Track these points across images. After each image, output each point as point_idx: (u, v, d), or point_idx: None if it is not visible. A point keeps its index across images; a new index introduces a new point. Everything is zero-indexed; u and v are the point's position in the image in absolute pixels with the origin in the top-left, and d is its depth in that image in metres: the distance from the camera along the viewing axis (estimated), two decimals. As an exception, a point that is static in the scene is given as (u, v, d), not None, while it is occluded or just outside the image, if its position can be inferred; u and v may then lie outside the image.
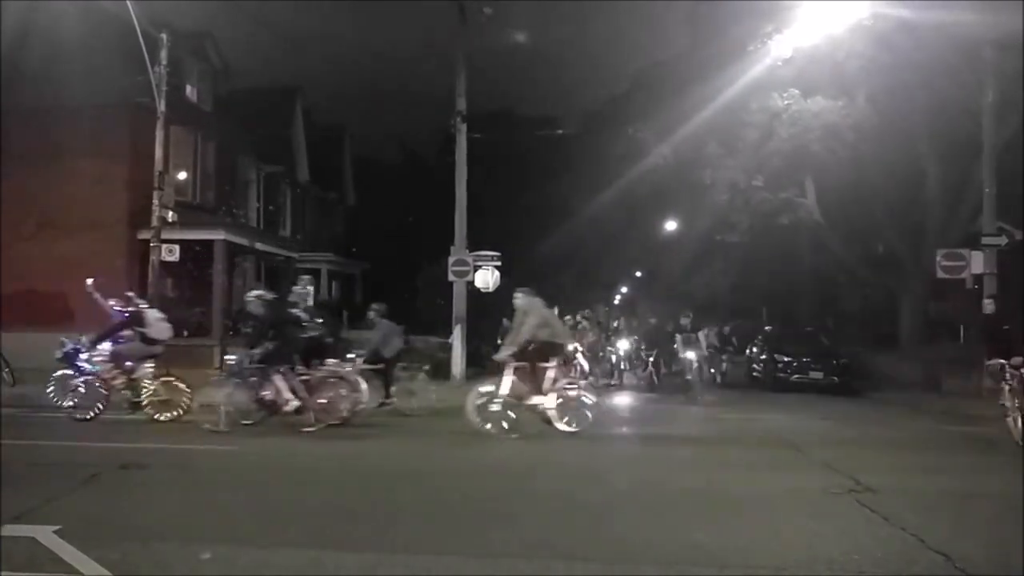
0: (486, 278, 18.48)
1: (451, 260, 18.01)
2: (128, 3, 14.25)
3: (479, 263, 18.34)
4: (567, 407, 9.95)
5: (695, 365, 16.53)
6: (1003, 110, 16.27)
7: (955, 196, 19.19)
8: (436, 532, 5.48)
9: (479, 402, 9.93)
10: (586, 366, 15.68)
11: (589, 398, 10.16)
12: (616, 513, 6.14)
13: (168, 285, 18.99)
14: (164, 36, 15.59)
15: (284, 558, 4.78)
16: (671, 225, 30.34)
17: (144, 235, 16.91)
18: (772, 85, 18.69)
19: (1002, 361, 10.18)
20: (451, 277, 18.03)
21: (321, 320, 11.25)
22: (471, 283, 18.21)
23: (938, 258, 16.78)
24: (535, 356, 9.97)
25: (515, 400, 9.90)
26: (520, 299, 10.39)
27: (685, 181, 22.01)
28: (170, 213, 16.11)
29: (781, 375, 18.87)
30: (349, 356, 11.52)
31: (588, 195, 28.21)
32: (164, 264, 16.19)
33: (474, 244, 18.61)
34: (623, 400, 15.89)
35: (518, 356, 10.00)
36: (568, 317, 18.02)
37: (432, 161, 35.74)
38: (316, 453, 8.95)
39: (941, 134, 18.42)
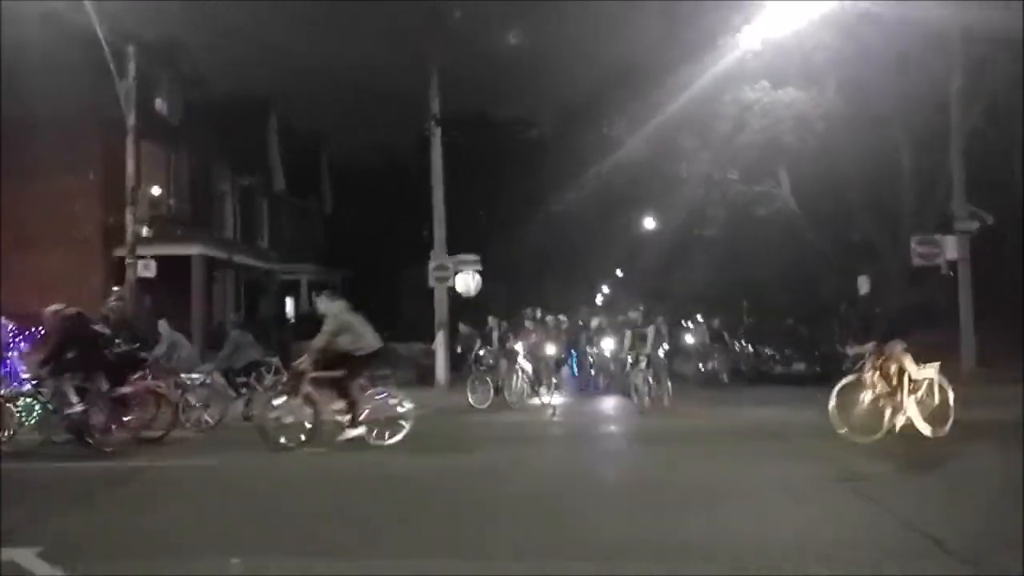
0: (467, 282, 18.46)
1: (431, 265, 17.97)
2: (92, 15, 14.04)
3: (459, 267, 18.31)
4: (375, 419, 9.19)
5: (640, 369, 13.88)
6: (970, 96, 16.49)
7: (928, 182, 19.42)
8: (424, 536, 5.43)
9: (272, 415, 9.30)
10: (528, 368, 14.28)
11: (403, 407, 9.35)
12: (606, 512, 6.13)
13: (146, 301, 18.73)
14: (131, 48, 15.42)
15: (275, 567, 4.72)
16: (650, 222, 30.45)
17: (120, 252, 16.70)
18: (743, 78, 18.81)
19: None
20: (432, 283, 17.99)
21: (131, 335, 10.75)
22: (452, 288, 18.16)
23: (913, 245, 16.97)
24: (336, 365, 9.18)
25: (312, 411, 9.17)
26: (321, 304, 9.75)
27: (661, 177, 22.10)
28: (145, 228, 15.96)
29: (764, 368, 18.99)
30: (196, 371, 11.37)
31: (566, 195, 28.25)
32: (141, 280, 15.99)
33: (454, 248, 18.57)
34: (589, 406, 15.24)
35: (318, 365, 9.21)
36: (551, 318, 17.83)
37: (410, 165, 35.61)
38: (298, 464, 8.84)
39: (911, 121, 18.64)
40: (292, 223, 31.54)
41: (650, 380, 13.11)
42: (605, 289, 48.95)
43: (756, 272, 28.26)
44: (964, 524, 5.31)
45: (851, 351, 10.09)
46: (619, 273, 44.64)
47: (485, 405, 13.67)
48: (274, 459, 9.01)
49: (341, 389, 9.10)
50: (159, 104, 21.60)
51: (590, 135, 23.77)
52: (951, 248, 16.56)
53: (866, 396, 8.86)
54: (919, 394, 8.79)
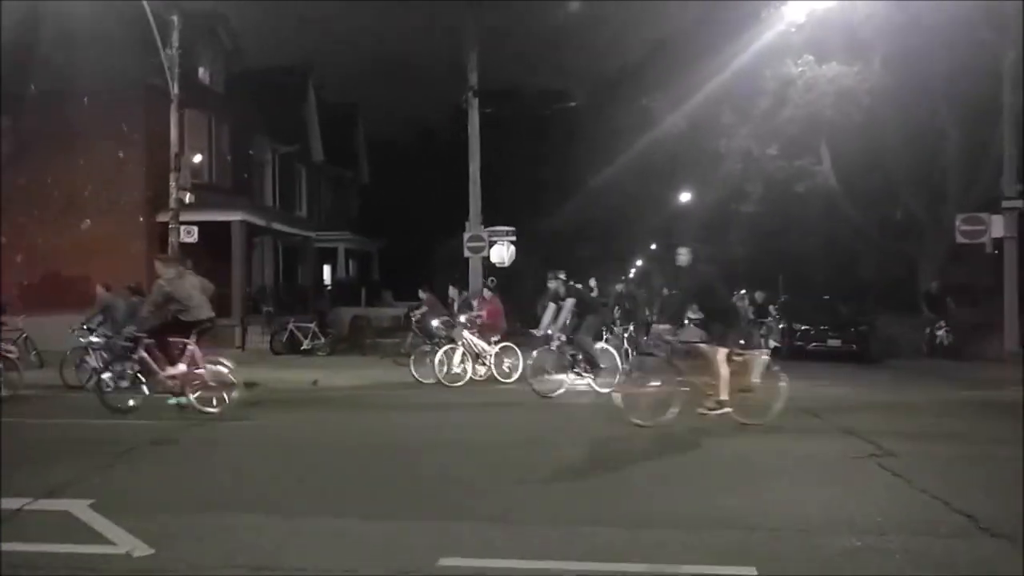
0: (501, 253, 18.53)
1: (466, 236, 18.06)
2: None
3: (494, 238, 18.38)
4: (202, 387, 9.25)
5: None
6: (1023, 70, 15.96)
7: (975, 159, 18.94)
8: (459, 500, 5.57)
9: (106, 376, 9.48)
10: (477, 344, 12.85)
11: (229, 379, 9.36)
12: (641, 480, 6.21)
13: (188, 266, 19.16)
14: (175, 18, 15.60)
15: (311, 527, 4.89)
16: (686, 196, 30.15)
17: (163, 217, 17.07)
18: (786, 52, 18.46)
19: None
20: (467, 253, 18.09)
21: None
22: (487, 258, 18.26)
23: (957, 223, 16.62)
24: (167, 331, 9.26)
25: (145, 376, 9.28)
26: (158, 267, 9.76)
27: (699, 151, 21.87)
28: (187, 195, 16.25)
29: (799, 343, 18.81)
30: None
31: (602, 167, 28.07)
32: (183, 246, 16.33)
33: (489, 219, 18.63)
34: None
35: (152, 332, 9.29)
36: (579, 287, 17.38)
37: (446, 137, 35.63)
38: (341, 425, 9.10)
39: (960, 96, 18.14)
40: (330, 192, 31.91)
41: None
42: (639, 262, 48.74)
43: (793, 248, 27.90)
44: (996, 500, 5.29)
45: None
46: (653, 247, 44.36)
47: (431, 380, 12.40)
48: (317, 419, 9.28)
49: (168, 355, 9.23)
50: (202, 74, 21.90)
51: (629, 108, 23.54)
52: (998, 226, 16.17)
53: None
54: None
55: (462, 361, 12.59)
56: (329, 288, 27.24)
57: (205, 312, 9.47)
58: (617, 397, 8.73)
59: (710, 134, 20.82)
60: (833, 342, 18.61)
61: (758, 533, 4.70)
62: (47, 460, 6.82)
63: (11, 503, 5.26)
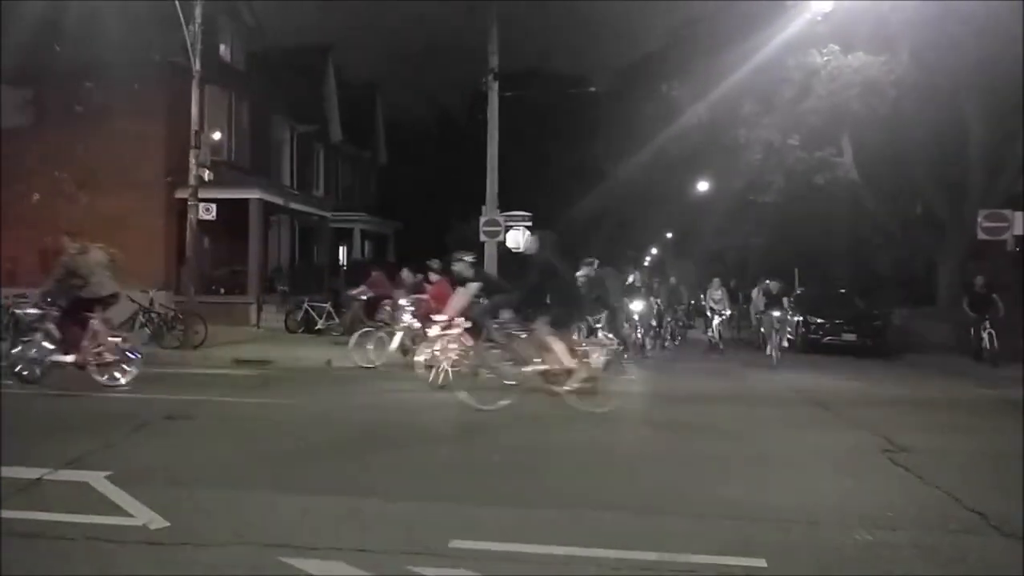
0: (517, 238, 18.50)
1: (483, 220, 18.06)
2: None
3: (510, 223, 18.36)
4: (104, 361, 9.46)
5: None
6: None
7: (999, 155, 18.66)
8: (472, 483, 5.62)
9: (15, 351, 9.61)
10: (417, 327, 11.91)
11: (133, 353, 9.73)
12: (645, 468, 6.23)
13: (205, 243, 19.31)
14: (197, -6, 15.59)
15: (325, 505, 4.94)
16: (704, 186, 29.94)
17: (182, 194, 17.16)
18: (811, 41, 18.19)
19: None
20: (482, 237, 18.09)
21: None
22: (502, 243, 18.25)
23: (979, 219, 16.43)
24: (74, 305, 9.46)
25: (54, 349, 9.46)
26: (64, 241, 9.77)
27: (719, 141, 21.64)
28: (207, 172, 16.28)
29: (813, 337, 18.72)
30: None
31: (620, 155, 27.91)
32: (201, 222, 16.43)
33: (505, 204, 18.60)
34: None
35: (59, 306, 9.53)
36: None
37: (463, 120, 35.56)
38: (354, 405, 9.17)
39: (987, 90, 17.84)
40: (347, 173, 31.95)
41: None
42: (654, 251, 48.63)
43: (811, 240, 27.69)
44: (1008, 498, 5.26)
45: None
46: (669, 235, 44.19)
47: (375, 364, 11.97)
48: (330, 398, 9.36)
49: (71, 331, 9.40)
50: (223, 52, 21.93)
51: (649, 95, 23.34)
52: (1019, 223, 15.99)
53: None
54: None
55: (400, 345, 12.09)
56: (345, 269, 27.34)
57: (107, 288, 9.57)
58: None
59: (731, 124, 20.60)
60: (848, 336, 18.50)
61: (766, 525, 4.71)
62: (65, 432, 6.94)
63: (31, 472, 5.36)
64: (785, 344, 15.83)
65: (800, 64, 18.35)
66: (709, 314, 18.12)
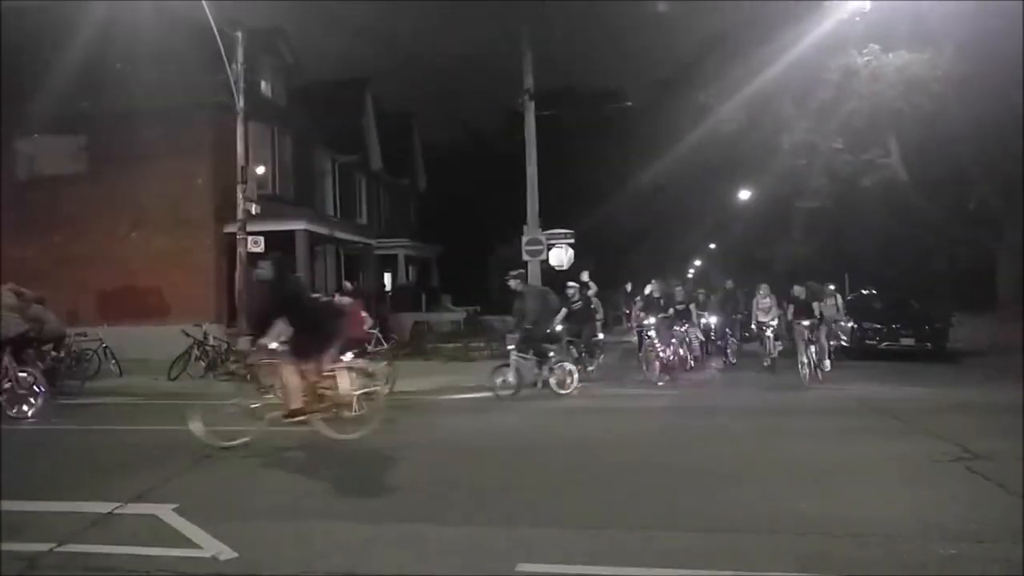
0: (560, 256, 18.44)
1: (524, 239, 18.03)
2: (204, 4, 14.68)
3: (552, 241, 18.31)
4: (14, 394, 10.04)
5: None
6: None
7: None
8: (535, 503, 5.55)
9: None
10: None
11: (39, 387, 10.17)
12: (714, 484, 6.08)
13: (254, 275, 19.65)
14: (239, 34, 16.03)
15: (386, 533, 4.93)
16: (746, 194, 29.54)
17: (230, 228, 17.55)
18: (849, 42, 17.91)
19: None
20: (525, 256, 18.05)
21: None
22: (545, 262, 18.20)
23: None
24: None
25: None
26: None
27: (760, 147, 21.36)
28: (254, 206, 16.64)
29: (870, 343, 18.19)
30: None
31: (659, 167, 27.74)
32: (250, 255, 16.74)
33: (546, 222, 18.57)
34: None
35: None
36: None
37: (498, 141, 35.77)
38: (409, 430, 9.16)
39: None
40: (388, 200, 32.37)
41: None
42: (697, 262, 48.16)
43: (860, 244, 27.07)
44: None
45: None
46: (712, 246, 43.72)
47: None
48: (385, 424, 9.38)
49: None
50: (264, 88, 22.47)
51: (686, 105, 23.18)
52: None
53: None
54: None
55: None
56: (390, 294, 27.60)
57: (12, 329, 10.42)
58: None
59: (772, 130, 20.33)
60: (906, 341, 17.94)
61: (843, 539, 4.55)
62: (128, 466, 7.06)
63: (102, 507, 5.46)
64: (813, 359, 13.54)
65: (840, 65, 18.06)
66: (755, 327, 16.36)
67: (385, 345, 18.73)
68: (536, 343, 11.67)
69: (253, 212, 16.58)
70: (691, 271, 47.91)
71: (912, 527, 4.73)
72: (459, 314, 28.11)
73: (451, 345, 19.40)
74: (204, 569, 4.30)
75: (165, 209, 19.48)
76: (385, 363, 11.79)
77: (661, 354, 13.50)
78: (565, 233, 18.69)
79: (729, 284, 19.57)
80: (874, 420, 9.14)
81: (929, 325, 18.41)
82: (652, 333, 13.88)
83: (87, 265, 18.78)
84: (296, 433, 8.99)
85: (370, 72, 30.96)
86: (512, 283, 12.36)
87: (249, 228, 16.51)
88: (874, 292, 22.35)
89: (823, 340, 14.44)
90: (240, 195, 16.20)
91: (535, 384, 11.80)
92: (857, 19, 17.45)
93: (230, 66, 15.78)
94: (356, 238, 25.01)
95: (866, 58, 17.82)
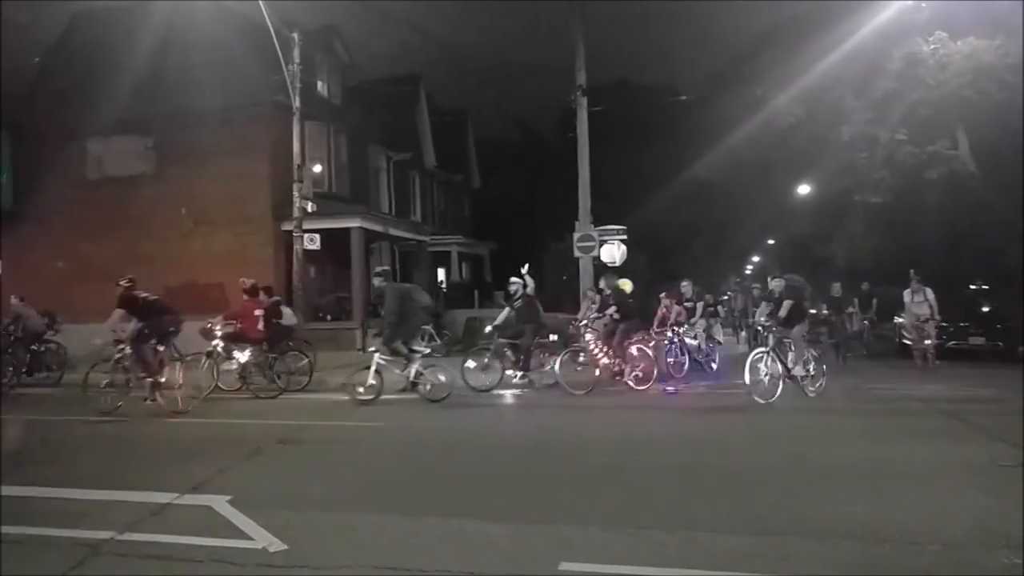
0: (612, 252, 18.31)
1: (576, 236, 17.96)
2: (261, 5, 15.03)
3: (605, 237, 18.20)
4: None
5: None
6: None
7: None
8: (576, 502, 5.53)
9: None
10: None
11: None
12: (762, 485, 5.96)
13: (311, 272, 20.09)
14: (295, 35, 16.38)
15: (430, 527, 4.98)
16: (805, 188, 28.79)
17: (287, 226, 17.95)
18: (914, 30, 17.29)
19: None
20: (577, 253, 17.99)
21: None
22: (597, 258, 18.10)
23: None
24: None
25: None
26: None
27: (820, 140, 20.78)
28: (310, 204, 17.00)
29: (936, 342, 17.51)
30: None
31: (714, 162, 27.25)
32: (306, 252, 17.11)
33: (599, 218, 18.47)
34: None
35: None
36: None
37: (551, 137, 35.72)
38: (459, 426, 9.25)
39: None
40: (442, 197, 32.65)
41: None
42: (755, 258, 47.25)
43: (926, 239, 26.07)
44: None
45: None
46: (770, 241, 42.78)
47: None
48: (435, 420, 9.49)
49: None
50: (320, 87, 22.90)
51: (742, 99, 22.71)
52: None
53: None
54: None
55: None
56: (444, 290, 27.85)
57: None
58: None
59: (831, 122, 19.75)
60: (975, 340, 17.25)
61: (897, 546, 4.41)
62: (185, 458, 7.30)
63: (161, 497, 5.67)
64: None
65: (905, 55, 17.45)
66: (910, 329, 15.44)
67: (438, 341, 18.96)
68: (394, 344, 10.94)
69: (309, 210, 16.93)
70: (749, 267, 47.01)
71: (973, 535, 4.55)
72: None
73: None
74: (255, 560, 4.42)
75: (226, 207, 20.05)
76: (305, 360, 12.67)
77: (604, 359, 12.03)
78: (617, 229, 18.56)
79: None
80: (937, 422, 8.82)
81: (1000, 324, 17.67)
82: (589, 336, 12.45)
83: (153, 262, 19.46)
84: (345, 427, 9.20)
85: (424, 69, 31.21)
86: (375, 281, 11.77)
87: (305, 226, 16.88)
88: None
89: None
90: (296, 193, 16.57)
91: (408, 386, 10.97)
92: (923, 5, 16.84)
93: (286, 66, 16.14)
94: (410, 235, 25.30)
95: (932, 46, 17.18)
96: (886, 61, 17.65)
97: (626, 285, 13.12)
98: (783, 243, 39.50)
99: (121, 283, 10.23)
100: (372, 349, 11.41)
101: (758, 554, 4.34)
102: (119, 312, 10.06)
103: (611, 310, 12.31)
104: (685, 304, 14.74)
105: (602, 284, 13.41)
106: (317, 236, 17.44)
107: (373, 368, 10.76)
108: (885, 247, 27.12)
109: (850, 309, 17.69)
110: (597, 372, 11.88)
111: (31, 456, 7.84)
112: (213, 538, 4.78)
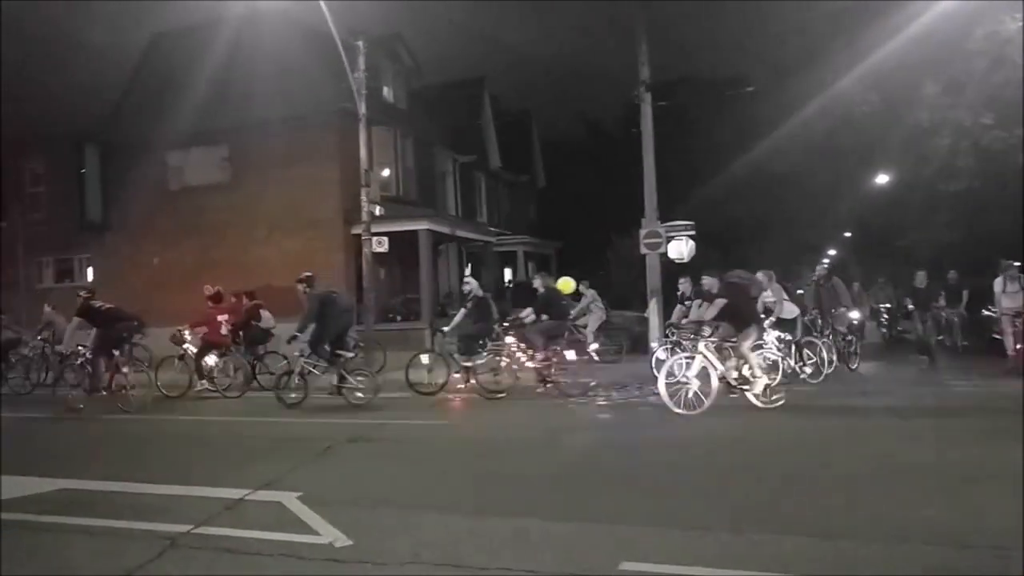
0: (680, 248, 18.02)
1: (642, 232, 17.75)
2: (326, 15, 15.39)
3: (672, 234, 17.93)
4: None
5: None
6: None
7: None
8: (639, 503, 5.47)
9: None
10: None
11: None
12: (830, 487, 5.77)
13: (380, 274, 20.49)
14: (360, 43, 16.71)
15: (492, 525, 5.02)
16: (883, 178, 27.70)
17: (356, 230, 18.35)
18: (999, 8, 16.39)
19: None
20: (643, 250, 17.78)
21: None
22: (664, 255, 17.85)
23: None
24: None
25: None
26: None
27: (897, 128, 19.94)
28: (377, 208, 17.33)
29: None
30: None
31: (784, 153, 26.46)
32: (375, 255, 17.45)
33: (665, 214, 18.21)
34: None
35: None
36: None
37: (617, 134, 35.39)
38: (525, 425, 9.28)
39: None
40: (507, 197, 32.80)
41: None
42: (831, 251, 45.84)
43: (1014, 228, 24.70)
44: None
45: None
46: (847, 234, 41.39)
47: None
48: (501, 419, 9.55)
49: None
50: (386, 93, 23.33)
51: (813, 88, 21.99)
52: None
53: None
54: None
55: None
56: (510, 290, 27.97)
57: None
58: None
59: (910, 108, 18.92)
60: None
61: (979, 552, 4.20)
62: (260, 455, 7.55)
63: (235, 493, 5.89)
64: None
65: (990, 33, 16.56)
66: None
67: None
68: (316, 348, 11.06)
69: (376, 213, 17.25)
70: (825, 261, 45.57)
71: (1060, 540, 4.29)
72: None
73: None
74: (321, 555, 4.54)
75: (297, 213, 20.64)
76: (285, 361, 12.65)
77: (529, 362, 11.54)
78: (685, 225, 18.26)
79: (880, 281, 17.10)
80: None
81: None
82: (509, 338, 11.79)
83: (229, 267, 20.19)
84: (411, 425, 9.35)
85: (487, 71, 31.42)
86: (299, 287, 11.73)
87: (374, 229, 17.20)
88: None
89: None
90: (364, 197, 16.91)
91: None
92: (1009, -20, 15.95)
93: (352, 74, 16.49)
94: (477, 236, 25.50)
95: (1019, 23, 16.25)
96: (966, 41, 16.79)
97: (567, 285, 12.81)
98: (860, 235, 38.12)
99: (81, 294, 11.31)
100: (296, 353, 11.46)
101: (826, 557, 4.21)
102: (77, 320, 11.20)
103: (526, 313, 11.85)
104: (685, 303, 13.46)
105: (536, 283, 12.85)
106: (385, 239, 17.75)
107: (297, 372, 11.07)
108: (971, 236, 25.82)
109: (940, 302, 16.62)
110: (517, 378, 11.42)
111: (112, 453, 8.26)
112: (282, 533, 4.93)
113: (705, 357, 9.32)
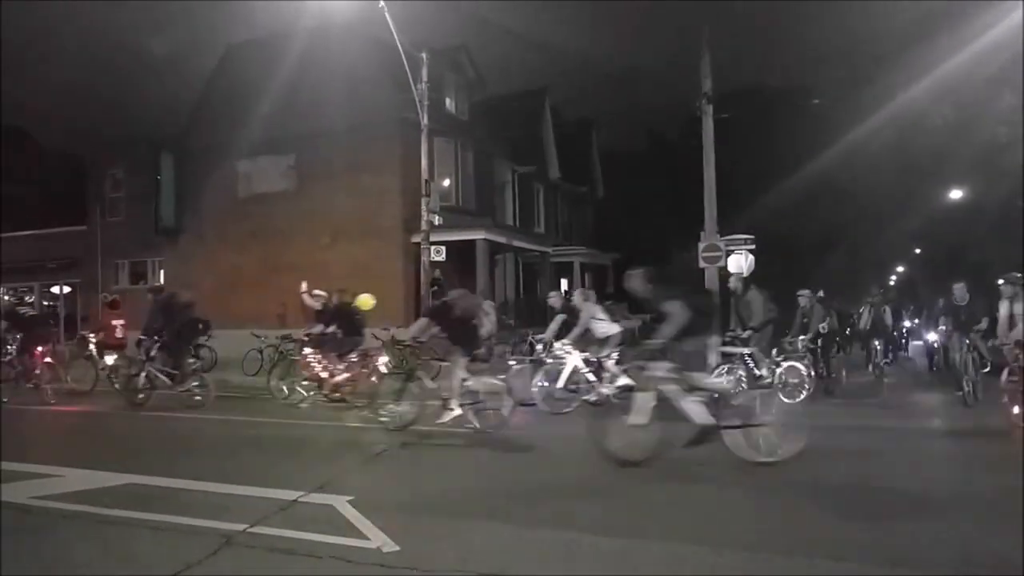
0: (740, 262, 17.74)
1: (702, 246, 17.54)
2: (391, 27, 15.72)
3: (731, 247, 17.66)
4: None
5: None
6: None
7: None
8: (691, 521, 5.42)
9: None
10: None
11: None
12: (893, 513, 5.60)
13: (440, 281, 20.73)
14: (424, 55, 17.02)
15: (542, 537, 5.02)
16: (956, 194, 26.72)
17: (416, 238, 18.65)
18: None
19: None
20: (702, 263, 17.56)
21: None
22: (724, 268, 17.59)
23: None
24: None
25: None
26: None
27: (972, 142, 19.26)
28: (436, 217, 17.58)
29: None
30: None
31: (851, 168, 25.81)
32: (433, 263, 17.69)
33: (725, 228, 17.95)
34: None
35: None
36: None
37: (678, 145, 35.08)
38: (579, 436, 9.24)
39: None
40: (566, 208, 32.79)
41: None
42: (900, 268, 44.36)
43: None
44: None
45: None
46: (917, 251, 40.01)
47: None
48: (557, 429, 9.54)
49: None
50: (448, 104, 23.67)
51: (883, 101, 21.42)
52: None
53: None
54: None
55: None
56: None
57: None
58: None
59: (986, 122, 18.27)
60: None
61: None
62: (314, 458, 7.73)
63: (289, 494, 6.05)
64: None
65: (1069, 44, 15.86)
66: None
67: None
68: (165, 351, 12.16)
69: (436, 223, 17.50)
70: (892, 278, 44.10)
71: None
72: (634, 322, 27.83)
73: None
74: (369, 559, 4.62)
75: (360, 220, 21.09)
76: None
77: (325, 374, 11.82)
78: (744, 239, 17.97)
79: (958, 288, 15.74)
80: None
81: None
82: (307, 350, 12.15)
83: (294, 272, 20.71)
84: (466, 433, 9.41)
85: (549, 81, 31.60)
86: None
87: (432, 238, 17.45)
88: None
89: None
90: (424, 207, 17.17)
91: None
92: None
93: (415, 85, 16.78)
94: (533, 246, 25.58)
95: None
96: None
97: (366, 303, 12.70)
98: (932, 251, 36.82)
99: (6, 298, 12.55)
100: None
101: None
102: (4, 324, 12.84)
103: (318, 328, 12.00)
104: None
105: (335, 298, 12.96)
106: (443, 248, 18.00)
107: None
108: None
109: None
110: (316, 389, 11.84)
111: (179, 451, 8.57)
112: (333, 536, 5.03)
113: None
